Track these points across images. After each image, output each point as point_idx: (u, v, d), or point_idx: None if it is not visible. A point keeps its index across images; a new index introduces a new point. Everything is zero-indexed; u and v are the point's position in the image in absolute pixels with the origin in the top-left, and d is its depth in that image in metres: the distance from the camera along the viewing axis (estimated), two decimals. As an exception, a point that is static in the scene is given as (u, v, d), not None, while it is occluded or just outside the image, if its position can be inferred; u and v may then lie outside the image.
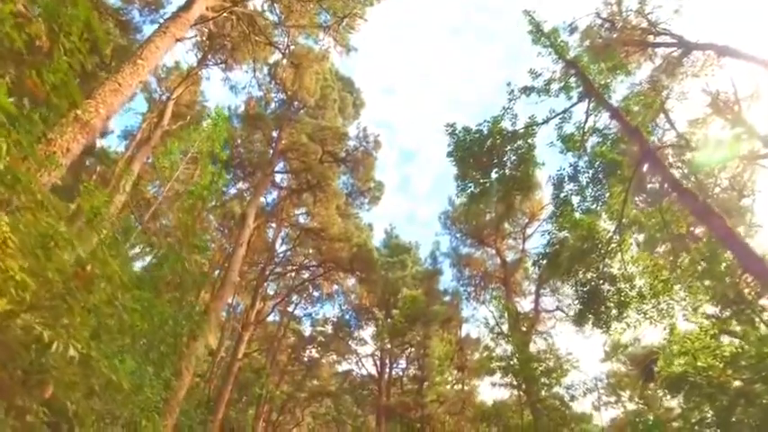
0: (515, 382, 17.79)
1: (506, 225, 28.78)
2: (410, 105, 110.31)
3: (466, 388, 25.58)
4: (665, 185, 8.85)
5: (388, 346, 29.96)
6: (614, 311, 8.99)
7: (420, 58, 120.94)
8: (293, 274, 30.97)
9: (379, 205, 29.26)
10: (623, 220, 8.52)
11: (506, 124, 10.93)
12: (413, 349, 27.46)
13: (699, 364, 9.20)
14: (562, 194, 9.75)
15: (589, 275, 9.21)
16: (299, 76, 23.68)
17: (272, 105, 28.52)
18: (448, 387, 27.03)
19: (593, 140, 10.48)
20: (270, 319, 37.56)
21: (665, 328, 10.10)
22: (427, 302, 26.66)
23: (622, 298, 8.81)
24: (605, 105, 8.77)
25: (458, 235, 28.24)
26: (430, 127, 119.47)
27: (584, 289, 9.30)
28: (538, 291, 24.66)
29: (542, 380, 16.61)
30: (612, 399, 26.27)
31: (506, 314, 20.88)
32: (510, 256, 28.01)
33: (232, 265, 20.10)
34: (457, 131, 11.35)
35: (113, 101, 9.12)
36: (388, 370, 31.63)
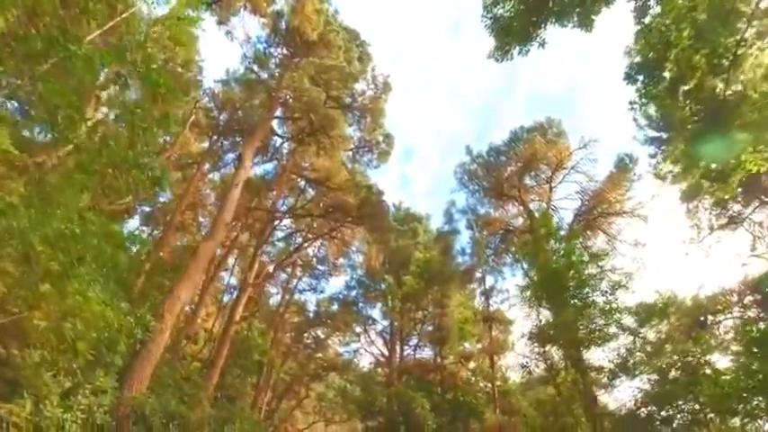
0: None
1: (528, 180, 26.32)
2: (409, 103, 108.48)
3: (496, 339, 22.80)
4: None
5: (396, 323, 27.35)
6: (743, 137, 6.45)
7: (419, 56, 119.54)
8: (296, 241, 28.57)
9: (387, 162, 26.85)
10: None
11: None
12: (428, 316, 24.73)
13: None
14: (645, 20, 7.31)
15: (705, 94, 6.71)
16: (300, 5, 21.51)
17: (272, 61, 26.35)
18: (471, 344, 24.20)
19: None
20: (272, 301, 35.21)
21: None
22: (443, 263, 24.06)
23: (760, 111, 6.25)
24: None
25: (475, 191, 25.63)
26: (429, 125, 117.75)
27: (699, 114, 6.70)
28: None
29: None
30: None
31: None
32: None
33: (225, 204, 17.76)
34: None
35: None
36: (399, 349, 28.99)
